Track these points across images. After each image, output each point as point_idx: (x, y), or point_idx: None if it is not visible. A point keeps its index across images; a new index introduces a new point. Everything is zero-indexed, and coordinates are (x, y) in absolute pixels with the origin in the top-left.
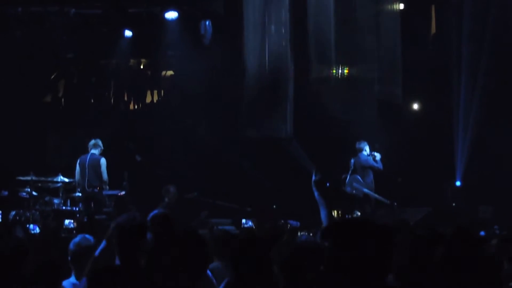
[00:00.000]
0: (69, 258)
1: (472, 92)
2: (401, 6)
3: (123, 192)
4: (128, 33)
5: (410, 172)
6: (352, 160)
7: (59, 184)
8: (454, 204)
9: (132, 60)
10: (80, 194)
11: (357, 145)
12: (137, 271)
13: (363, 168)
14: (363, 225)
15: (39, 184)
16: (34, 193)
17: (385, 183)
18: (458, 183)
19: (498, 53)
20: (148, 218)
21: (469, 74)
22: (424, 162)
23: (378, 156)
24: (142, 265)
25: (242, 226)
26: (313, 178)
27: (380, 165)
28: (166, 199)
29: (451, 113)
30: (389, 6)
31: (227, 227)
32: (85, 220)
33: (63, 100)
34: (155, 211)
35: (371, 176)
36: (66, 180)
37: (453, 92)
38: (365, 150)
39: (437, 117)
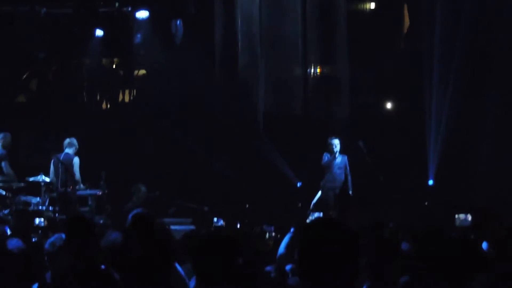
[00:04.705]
0: (45, 258)
1: (445, 92)
2: (372, 5)
3: (99, 192)
4: (99, 32)
5: (382, 171)
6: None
7: (22, 184)
8: (426, 203)
9: (104, 60)
10: None
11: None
12: (93, 269)
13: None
14: (330, 226)
15: (3, 184)
16: (2, 192)
17: (366, 181)
18: (430, 182)
19: (470, 52)
20: (130, 217)
21: (441, 73)
22: (397, 161)
23: (339, 158)
24: (97, 263)
25: (213, 224)
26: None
27: (330, 165)
28: (135, 198)
29: (424, 112)
30: (360, 6)
31: (187, 227)
32: (57, 219)
33: (35, 99)
34: (137, 210)
35: (336, 175)
36: (47, 179)
37: (425, 91)
38: (330, 148)
39: (409, 116)
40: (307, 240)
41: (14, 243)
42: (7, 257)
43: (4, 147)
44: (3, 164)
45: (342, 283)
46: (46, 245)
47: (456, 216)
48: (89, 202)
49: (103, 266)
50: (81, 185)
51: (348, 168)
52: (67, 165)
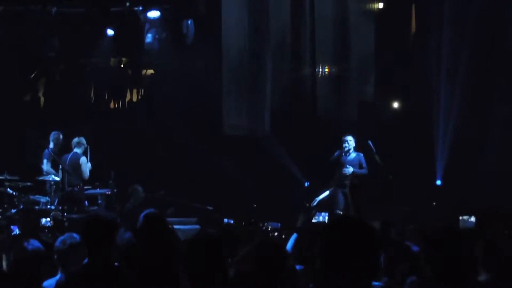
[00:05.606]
0: (55, 256)
1: (453, 91)
2: (381, 4)
3: (109, 191)
4: (110, 32)
5: (390, 171)
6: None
7: (28, 183)
8: (434, 204)
9: (113, 59)
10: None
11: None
12: (109, 268)
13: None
14: (351, 224)
15: (7, 183)
16: (9, 191)
17: (375, 180)
18: (438, 183)
19: (478, 51)
20: (141, 217)
21: (449, 72)
22: (404, 161)
23: (352, 155)
24: (113, 263)
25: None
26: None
27: (339, 162)
28: (133, 199)
29: (432, 112)
30: (369, 5)
31: (192, 226)
32: (65, 219)
33: (43, 99)
34: (149, 210)
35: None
36: (57, 179)
37: (433, 91)
38: (344, 145)
39: (417, 116)
40: (333, 239)
41: (34, 244)
42: (25, 258)
43: (55, 145)
44: (44, 162)
45: (363, 280)
46: (57, 243)
47: (460, 217)
48: (99, 201)
49: (116, 264)
50: (96, 182)
51: (363, 164)
52: (74, 165)
